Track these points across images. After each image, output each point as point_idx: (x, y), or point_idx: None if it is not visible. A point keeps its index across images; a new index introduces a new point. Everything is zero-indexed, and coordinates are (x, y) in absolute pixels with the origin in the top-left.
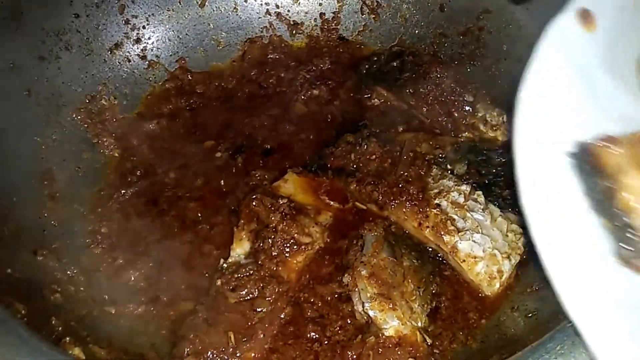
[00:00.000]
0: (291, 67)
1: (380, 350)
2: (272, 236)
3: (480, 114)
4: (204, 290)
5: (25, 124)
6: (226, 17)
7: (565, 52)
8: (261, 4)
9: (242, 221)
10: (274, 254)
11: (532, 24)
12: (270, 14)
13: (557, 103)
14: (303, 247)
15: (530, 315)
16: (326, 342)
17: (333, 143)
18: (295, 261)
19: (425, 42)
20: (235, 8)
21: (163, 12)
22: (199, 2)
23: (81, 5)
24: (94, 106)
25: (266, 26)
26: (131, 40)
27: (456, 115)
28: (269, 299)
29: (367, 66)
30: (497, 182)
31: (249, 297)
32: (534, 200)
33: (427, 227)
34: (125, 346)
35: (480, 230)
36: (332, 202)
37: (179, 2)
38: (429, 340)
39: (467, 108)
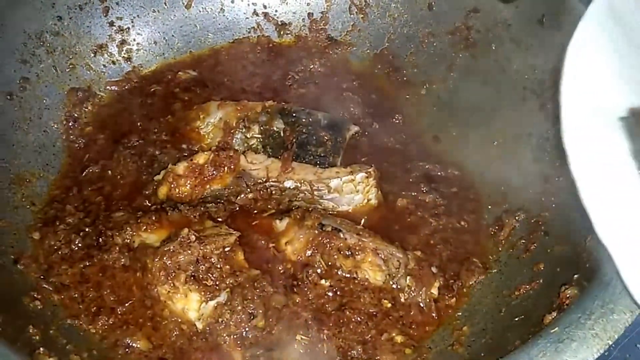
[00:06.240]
0: (280, 67)
1: None
2: (210, 263)
3: None
4: None
5: (6, 128)
6: (213, 18)
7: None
8: (248, 5)
9: (169, 285)
10: (219, 274)
11: (520, 23)
12: (257, 15)
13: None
14: (234, 246)
15: (516, 319)
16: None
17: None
18: (238, 257)
19: (414, 41)
20: (222, 9)
21: (148, 14)
22: (185, 4)
23: (64, 8)
24: (77, 109)
25: (254, 27)
26: (116, 42)
27: None
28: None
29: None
30: (310, 141)
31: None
32: (582, 164)
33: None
34: (107, 354)
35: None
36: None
37: (165, 4)
38: None
39: None
